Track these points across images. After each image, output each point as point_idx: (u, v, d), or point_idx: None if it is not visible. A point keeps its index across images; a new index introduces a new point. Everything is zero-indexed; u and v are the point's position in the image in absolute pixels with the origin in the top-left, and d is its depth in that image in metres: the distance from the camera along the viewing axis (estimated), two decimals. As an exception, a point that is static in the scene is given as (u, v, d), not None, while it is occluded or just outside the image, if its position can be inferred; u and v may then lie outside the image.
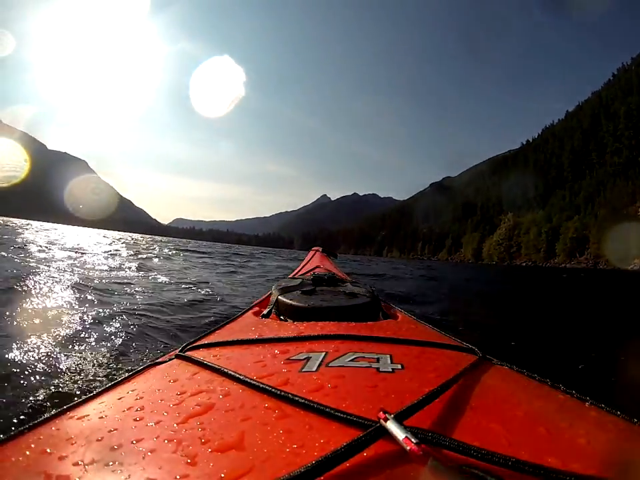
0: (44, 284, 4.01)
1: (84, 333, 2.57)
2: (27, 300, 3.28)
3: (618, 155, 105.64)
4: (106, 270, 6.71)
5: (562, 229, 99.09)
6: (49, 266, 5.82)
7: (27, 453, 0.43)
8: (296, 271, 2.77)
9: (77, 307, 3.32)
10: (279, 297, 1.18)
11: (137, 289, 4.79)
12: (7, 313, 2.74)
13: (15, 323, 2.60)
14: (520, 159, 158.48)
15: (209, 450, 0.39)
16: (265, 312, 1.22)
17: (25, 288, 3.70)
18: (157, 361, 0.73)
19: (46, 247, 10.32)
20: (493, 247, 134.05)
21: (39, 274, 4.63)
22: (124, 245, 16.85)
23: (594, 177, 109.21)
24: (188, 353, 0.73)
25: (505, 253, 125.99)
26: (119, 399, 0.55)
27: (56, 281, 4.28)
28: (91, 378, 1.90)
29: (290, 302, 1.12)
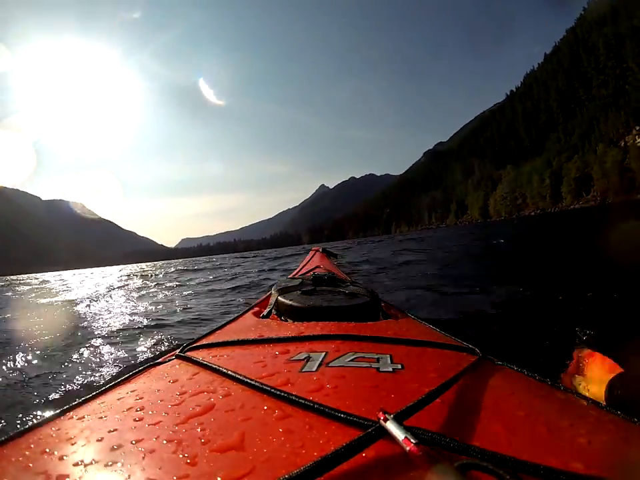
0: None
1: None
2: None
3: (605, 87, 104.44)
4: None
5: (563, 171, 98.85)
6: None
7: (27, 453, 0.42)
8: (296, 271, 2.72)
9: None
10: (279, 297, 1.18)
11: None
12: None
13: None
14: (507, 110, 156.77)
15: (209, 450, 0.39)
16: (264, 312, 1.22)
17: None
18: (157, 361, 0.73)
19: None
20: (499, 203, 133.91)
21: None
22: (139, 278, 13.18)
23: (585, 114, 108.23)
24: (188, 353, 0.73)
25: (512, 206, 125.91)
26: (118, 399, 0.55)
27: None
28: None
29: (290, 302, 1.11)
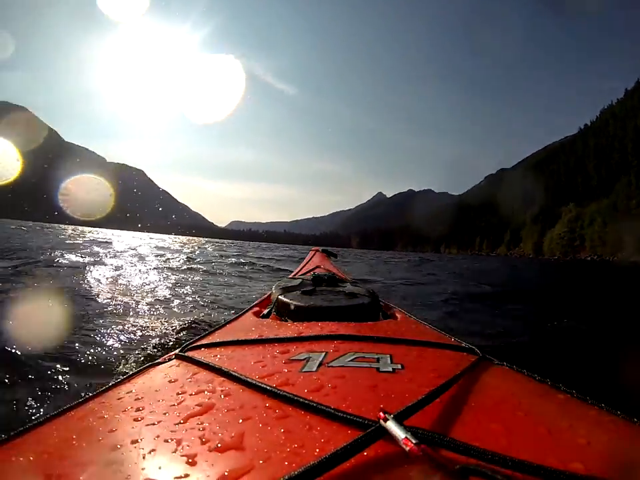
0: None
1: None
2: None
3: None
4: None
5: (630, 218, 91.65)
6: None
7: (27, 453, 0.42)
8: (296, 271, 2.76)
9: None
10: (279, 296, 1.17)
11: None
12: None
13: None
14: (579, 145, 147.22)
15: (209, 450, 0.39)
16: (265, 312, 1.22)
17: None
18: (157, 361, 0.72)
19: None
20: (555, 241, 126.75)
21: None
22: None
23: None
24: (188, 353, 0.73)
25: (568, 247, 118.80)
26: (118, 399, 0.55)
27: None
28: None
29: (290, 302, 1.10)
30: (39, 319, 2.79)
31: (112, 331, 2.64)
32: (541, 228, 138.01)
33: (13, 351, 2.04)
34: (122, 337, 2.52)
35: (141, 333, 2.67)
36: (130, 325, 2.85)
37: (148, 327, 2.86)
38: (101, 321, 2.91)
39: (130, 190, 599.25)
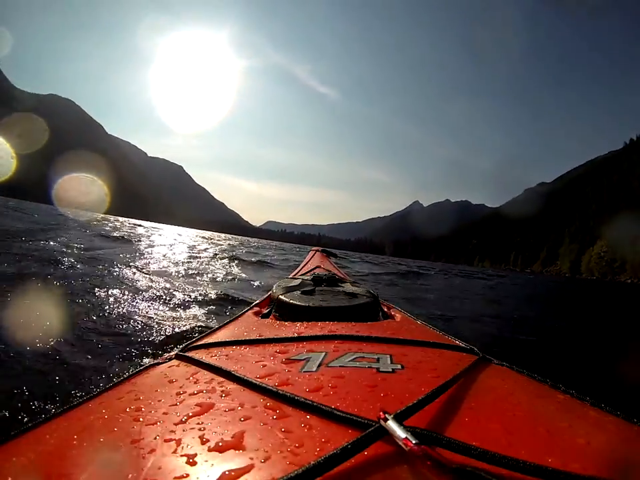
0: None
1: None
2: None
3: None
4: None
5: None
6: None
7: (27, 453, 0.42)
8: (296, 271, 2.72)
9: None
10: (279, 296, 1.17)
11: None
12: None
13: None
14: (623, 161, 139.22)
15: (209, 450, 0.39)
16: (264, 312, 1.21)
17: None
18: (157, 361, 0.72)
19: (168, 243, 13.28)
20: (594, 260, 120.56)
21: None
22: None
23: None
24: (188, 353, 0.72)
25: (607, 268, 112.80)
26: (118, 399, 0.55)
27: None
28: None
29: (290, 302, 1.10)
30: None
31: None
32: (579, 246, 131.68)
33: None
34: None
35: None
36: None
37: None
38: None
39: (169, 185, 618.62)
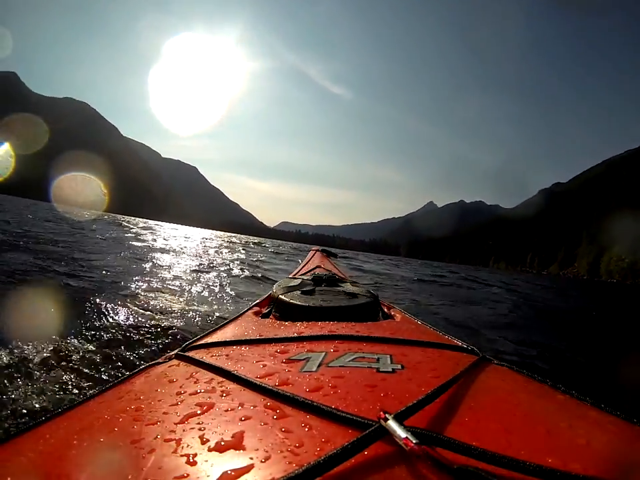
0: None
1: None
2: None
3: None
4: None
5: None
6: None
7: (27, 453, 0.42)
8: (296, 271, 2.66)
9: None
10: (279, 296, 1.16)
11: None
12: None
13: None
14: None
15: (209, 450, 0.38)
16: (264, 312, 1.20)
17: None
18: (157, 361, 0.71)
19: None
20: (614, 262, 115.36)
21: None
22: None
23: None
24: (188, 353, 0.72)
25: (628, 270, 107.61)
26: (118, 399, 0.55)
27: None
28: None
29: (290, 302, 1.09)
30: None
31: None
32: (598, 248, 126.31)
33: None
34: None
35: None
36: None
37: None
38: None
39: (183, 185, 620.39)
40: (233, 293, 4.55)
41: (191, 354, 0.71)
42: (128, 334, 2.46)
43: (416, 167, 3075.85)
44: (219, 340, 0.80)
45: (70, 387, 1.70)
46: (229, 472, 0.35)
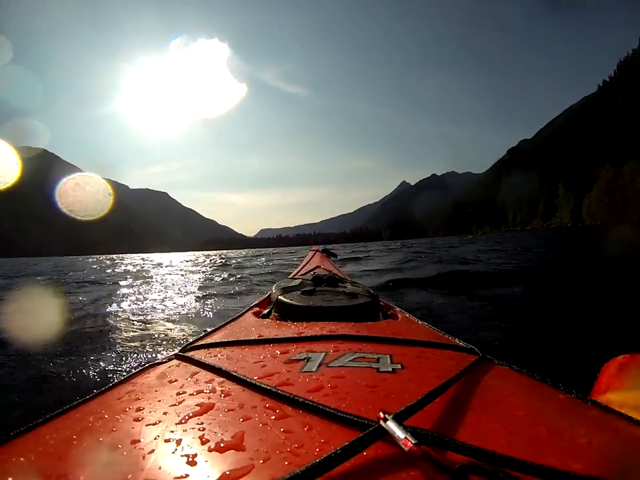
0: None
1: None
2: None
3: None
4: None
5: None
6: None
7: (27, 453, 0.41)
8: (296, 271, 2.62)
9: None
10: (279, 297, 1.16)
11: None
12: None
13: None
14: (601, 103, 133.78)
15: (209, 450, 0.38)
16: (264, 312, 1.21)
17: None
18: (157, 361, 0.70)
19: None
20: (594, 205, 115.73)
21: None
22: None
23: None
24: (188, 353, 0.71)
25: (610, 210, 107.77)
26: (118, 399, 0.54)
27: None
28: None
29: (290, 302, 1.09)
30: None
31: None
32: (576, 194, 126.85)
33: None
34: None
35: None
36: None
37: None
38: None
39: (156, 213, 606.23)
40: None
41: (190, 354, 0.71)
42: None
43: (383, 150, 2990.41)
44: (219, 340, 0.80)
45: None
46: (229, 472, 0.34)
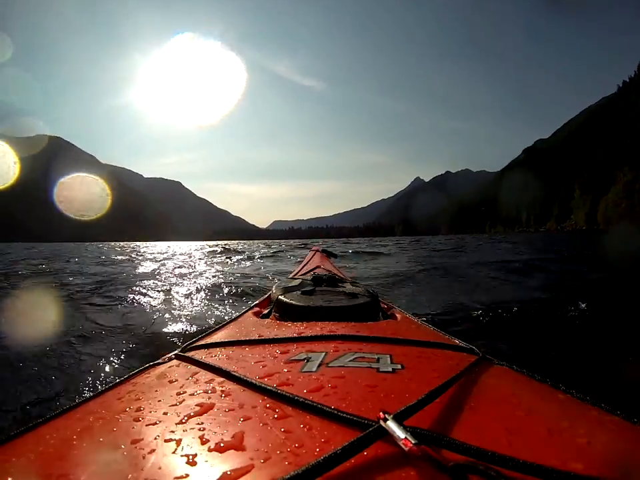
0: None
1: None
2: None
3: None
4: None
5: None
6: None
7: (27, 453, 0.42)
8: (296, 271, 2.65)
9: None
10: (279, 297, 1.14)
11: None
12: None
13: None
14: (621, 104, 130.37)
15: (209, 450, 0.38)
16: (265, 312, 1.20)
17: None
18: (157, 361, 0.70)
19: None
20: (611, 208, 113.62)
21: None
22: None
23: None
24: (188, 353, 0.71)
25: (627, 214, 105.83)
26: (118, 399, 0.54)
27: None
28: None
29: (290, 302, 1.08)
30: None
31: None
32: (592, 197, 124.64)
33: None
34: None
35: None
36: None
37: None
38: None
39: (169, 202, 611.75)
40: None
41: (190, 354, 0.71)
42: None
43: (398, 145, 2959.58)
44: (219, 340, 0.80)
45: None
46: (229, 472, 0.34)
